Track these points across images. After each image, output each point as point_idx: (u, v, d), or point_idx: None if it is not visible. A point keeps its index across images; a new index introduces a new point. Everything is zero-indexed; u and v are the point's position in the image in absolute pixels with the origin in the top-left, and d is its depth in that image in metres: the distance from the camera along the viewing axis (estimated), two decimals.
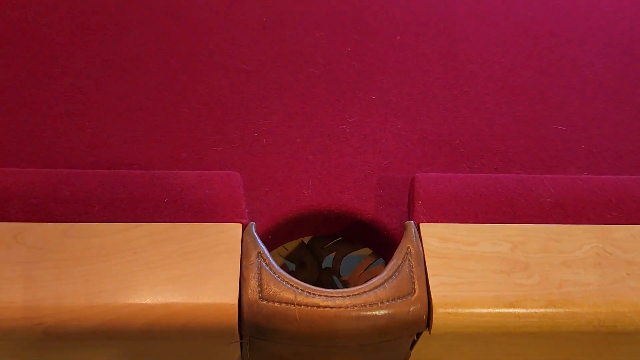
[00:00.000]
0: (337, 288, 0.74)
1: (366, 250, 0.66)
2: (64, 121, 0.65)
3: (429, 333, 0.50)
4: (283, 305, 0.48)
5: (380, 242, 0.62)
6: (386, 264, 0.56)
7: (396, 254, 0.52)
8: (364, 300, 0.49)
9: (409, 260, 0.51)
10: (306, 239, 0.68)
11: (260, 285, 0.48)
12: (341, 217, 0.61)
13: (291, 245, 0.69)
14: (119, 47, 0.74)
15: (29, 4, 0.78)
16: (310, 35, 0.77)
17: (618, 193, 0.59)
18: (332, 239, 0.67)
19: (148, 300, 0.48)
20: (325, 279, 0.73)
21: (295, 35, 0.77)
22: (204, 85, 0.70)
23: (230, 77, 0.71)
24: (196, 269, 0.49)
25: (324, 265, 0.70)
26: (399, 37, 0.78)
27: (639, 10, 0.87)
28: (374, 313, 0.49)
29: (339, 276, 0.70)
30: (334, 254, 0.68)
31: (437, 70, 0.75)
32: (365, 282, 0.61)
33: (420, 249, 0.52)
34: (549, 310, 0.51)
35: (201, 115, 0.67)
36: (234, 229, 0.52)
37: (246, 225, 0.53)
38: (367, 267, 0.66)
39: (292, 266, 0.71)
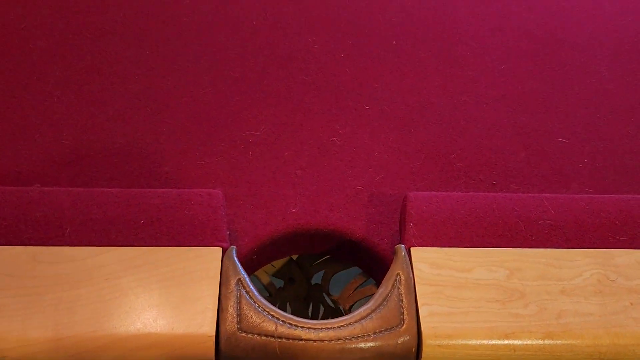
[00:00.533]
0: (327, 305, 0.71)
1: (357, 268, 0.63)
2: (41, 131, 0.62)
3: None
4: (263, 337, 0.45)
5: (371, 263, 0.59)
6: (377, 285, 0.53)
7: (385, 280, 0.49)
8: (349, 333, 0.46)
9: (398, 288, 0.49)
10: (294, 255, 0.65)
11: (239, 315, 0.46)
12: (329, 236, 0.58)
13: (279, 262, 0.66)
14: (99, 53, 0.70)
15: (7, 8, 0.74)
16: (302, 40, 0.74)
17: (621, 215, 0.56)
18: (322, 256, 0.64)
19: (121, 331, 0.45)
20: (315, 295, 0.70)
21: (286, 40, 0.74)
22: (188, 93, 0.67)
23: (216, 84, 0.68)
24: (172, 297, 0.47)
25: (313, 281, 0.68)
26: (394, 42, 0.74)
27: None
28: (359, 346, 0.46)
29: (328, 294, 0.67)
30: (323, 271, 0.65)
31: (435, 78, 0.72)
32: (355, 302, 0.58)
33: (411, 275, 0.50)
34: (547, 342, 0.48)
35: (184, 125, 0.64)
36: (214, 254, 0.49)
37: (227, 249, 0.50)
38: (357, 287, 0.63)
39: (280, 282, 0.68)
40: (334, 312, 0.70)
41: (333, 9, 0.78)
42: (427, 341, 0.47)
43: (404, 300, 0.48)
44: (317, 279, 0.68)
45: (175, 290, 0.47)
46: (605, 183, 0.63)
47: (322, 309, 0.71)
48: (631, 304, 0.50)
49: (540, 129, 0.68)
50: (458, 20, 0.79)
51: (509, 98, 0.71)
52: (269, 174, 0.60)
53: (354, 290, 0.63)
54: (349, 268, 0.64)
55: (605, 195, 0.59)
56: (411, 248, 0.51)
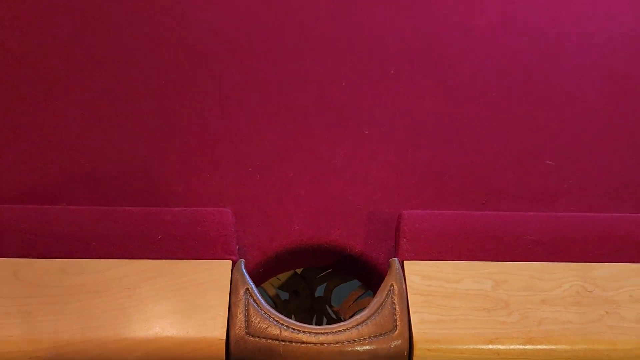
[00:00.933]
0: (329, 316, 0.76)
1: (356, 281, 0.68)
2: (60, 150, 0.68)
3: None
4: (269, 341, 0.50)
5: (369, 276, 0.63)
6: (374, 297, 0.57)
7: (380, 291, 0.54)
8: (346, 337, 0.50)
9: (392, 297, 0.53)
10: (299, 269, 0.70)
11: (247, 321, 0.50)
12: (330, 251, 0.63)
13: (284, 275, 0.71)
14: (115, 76, 0.76)
15: (27, 30, 0.80)
16: (305, 65, 0.80)
17: (601, 231, 0.60)
18: (325, 269, 0.69)
19: (140, 335, 0.50)
20: (318, 306, 0.75)
21: (290, 65, 0.79)
22: (197, 116, 0.73)
23: (223, 107, 0.74)
24: (187, 305, 0.52)
25: (316, 293, 0.72)
26: (392, 72, 0.80)
27: (633, 41, 0.88)
28: (356, 349, 0.50)
29: (330, 306, 0.72)
30: (325, 284, 0.70)
31: (429, 103, 0.77)
32: (355, 313, 0.63)
33: (404, 286, 0.54)
34: (528, 347, 0.52)
35: (194, 147, 0.69)
36: (224, 266, 0.54)
37: (236, 262, 0.55)
38: (357, 299, 0.68)
39: (286, 295, 0.73)
40: (336, 322, 0.74)
41: (334, 37, 0.83)
42: (418, 345, 0.51)
43: (397, 308, 0.52)
44: (320, 291, 0.73)
45: (189, 299, 0.52)
46: (590, 201, 0.68)
47: (324, 320, 0.76)
48: (607, 312, 0.54)
49: (529, 151, 0.73)
50: (451, 49, 0.84)
51: (499, 121, 0.76)
52: (274, 193, 0.65)
53: (354, 302, 0.68)
54: (349, 281, 0.68)
55: (587, 214, 0.64)
56: (404, 261, 0.56)
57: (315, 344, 0.50)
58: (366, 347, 0.51)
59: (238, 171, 0.67)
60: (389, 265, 0.56)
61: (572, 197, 0.69)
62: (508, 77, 0.82)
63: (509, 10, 0.89)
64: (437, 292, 0.54)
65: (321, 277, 0.70)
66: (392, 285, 0.54)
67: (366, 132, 0.73)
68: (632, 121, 0.77)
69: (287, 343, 0.49)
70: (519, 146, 0.73)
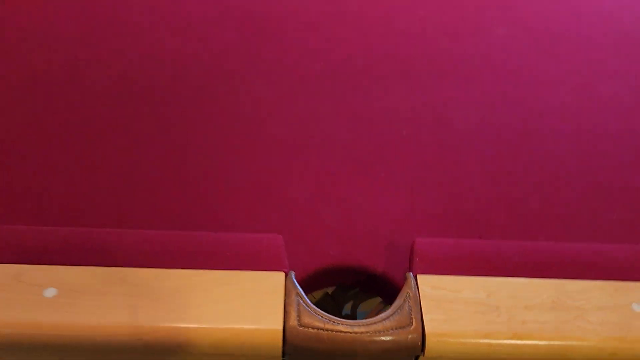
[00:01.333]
0: None
1: (378, 298, 0.83)
2: (144, 191, 0.85)
3: (424, 356, 0.67)
4: (315, 330, 0.65)
5: (388, 292, 0.79)
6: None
7: (399, 296, 0.70)
8: (374, 329, 0.66)
9: (408, 301, 0.69)
10: (330, 290, 0.86)
11: (298, 316, 0.66)
12: (357, 271, 0.79)
13: (317, 294, 0.86)
14: (159, 113, 0.96)
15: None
16: (332, 126, 0.98)
17: (572, 257, 0.77)
18: (350, 290, 0.84)
19: (215, 325, 0.66)
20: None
21: (316, 123, 0.98)
22: (240, 152, 0.91)
23: (263, 147, 0.92)
24: (251, 304, 0.67)
25: (344, 311, 0.88)
26: (404, 132, 0.98)
27: (617, 70, 1.07)
28: (381, 338, 0.66)
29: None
30: (352, 301, 0.86)
31: (430, 149, 0.95)
32: None
33: (417, 293, 0.70)
34: (514, 341, 0.67)
35: (248, 186, 0.87)
36: (279, 276, 0.70)
37: (287, 273, 0.71)
38: (378, 312, 0.83)
39: None
40: None
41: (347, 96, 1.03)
42: (429, 338, 0.66)
43: (413, 309, 0.68)
44: (346, 309, 0.88)
45: (253, 300, 0.68)
46: (572, 231, 0.84)
47: None
48: (576, 316, 0.70)
49: (517, 189, 0.90)
50: (452, 111, 1.03)
51: (491, 163, 0.93)
52: (313, 224, 0.82)
53: (376, 314, 0.83)
54: (372, 298, 0.84)
55: (560, 243, 0.80)
56: (417, 275, 0.72)
57: (350, 333, 0.65)
58: (389, 337, 0.66)
59: (282, 206, 0.85)
60: (405, 278, 0.72)
61: (558, 229, 0.86)
62: (506, 128, 1.00)
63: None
64: (443, 298, 0.70)
65: (348, 295, 0.86)
66: (408, 292, 0.70)
67: (382, 175, 0.91)
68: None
69: (329, 332, 0.65)
70: (508, 187, 0.91)
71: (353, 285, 0.82)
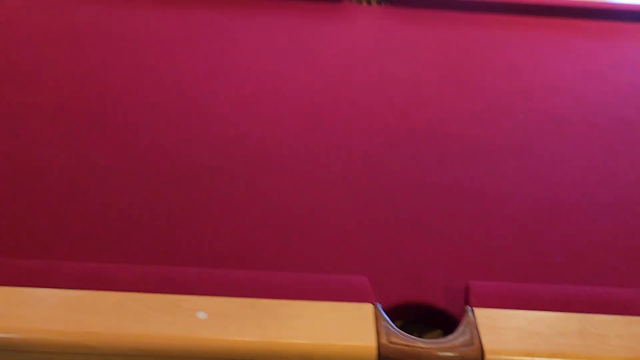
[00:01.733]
0: None
1: (437, 332, 1.04)
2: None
3: None
4: (401, 346, 0.86)
5: (448, 324, 1.00)
6: None
7: (461, 324, 0.91)
8: (445, 346, 0.87)
9: (469, 327, 0.90)
10: (398, 323, 1.06)
11: (387, 335, 0.87)
12: (422, 308, 1.00)
13: None
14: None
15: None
16: (404, 195, 1.22)
17: (595, 297, 0.98)
18: (416, 324, 1.05)
19: (327, 342, 0.87)
20: None
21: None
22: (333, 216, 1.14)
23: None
24: (351, 327, 0.89)
25: None
26: (451, 199, 1.22)
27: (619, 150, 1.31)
28: (449, 354, 0.87)
29: None
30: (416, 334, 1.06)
31: (472, 213, 1.18)
32: None
33: (475, 321, 0.91)
34: (552, 358, 0.88)
35: (337, 239, 1.10)
36: (369, 306, 0.92)
37: (375, 305, 0.93)
38: None
39: None
40: None
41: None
42: (487, 354, 0.87)
43: (473, 333, 0.89)
44: None
45: (351, 324, 0.89)
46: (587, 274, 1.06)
47: None
48: (598, 341, 0.91)
49: (547, 244, 1.12)
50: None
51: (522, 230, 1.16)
52: (386, 268, 1.04)
53: None
54: (433, 331, 1.05)
55: (585, 286, 1.02)
56: (474, 308, 0.94)
57: (427, 348, 0.86)
58: (455, 353, 0.87)
59: (364, 252, 1.07)
60: (464, 311, 0.94)
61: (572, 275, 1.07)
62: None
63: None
64: (495, 325, 0.91)
65: (413, 329, 1.06)
66: (468, 320, 0.91)
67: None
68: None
69: (412, 347, 0.86)
70: (536, 246, 1.13)
71: (417, 320, 1.03)
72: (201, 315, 0.87)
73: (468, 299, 0.97)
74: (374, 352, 0.86)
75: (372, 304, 0.93)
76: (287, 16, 1.90)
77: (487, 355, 0.87)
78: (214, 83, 1.53)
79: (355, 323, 0.89)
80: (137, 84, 1.50)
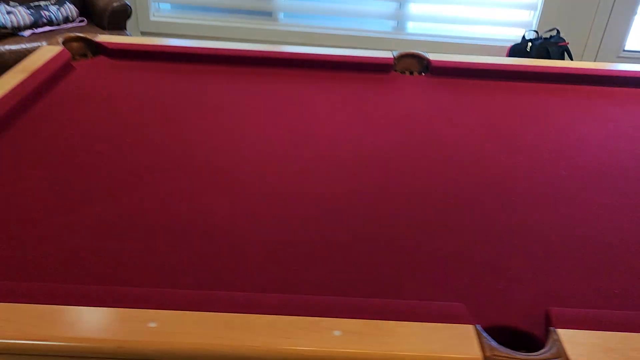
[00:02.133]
0: None
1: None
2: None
3: None
4: (503, 357, 1.04)
5: (530, 345, 1.18)
6: None
7: (548, 342, 1.09)
8: (538, 358, 1.05)
9: (556, 343, 1.08)
10: None
11: (490, 349, 1.05)
12: (506, 329, 1.18)
13: None
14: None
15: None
16: (481, 239, 1.41)
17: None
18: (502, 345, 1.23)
19: (437, 354, 1.05)
20: None
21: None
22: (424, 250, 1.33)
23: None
24: (459, 342, 1.07)
25: None
26: (516, 242, 1.41)
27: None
28: None
29: None
30: None
31: (538, 255, 1.37)
32: None
33: (560, 339, 1.09)
34: None
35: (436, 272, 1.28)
36: (470, 327, 1.10)
37: (475, 325, 1.11)
38: None
39: None
40: None
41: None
42: None
43: (560, 347, 1.07)
44: None
45: (458, 339, 1.07)
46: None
47: None
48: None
49: (605, 281, 1.31)
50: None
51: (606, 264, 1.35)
52: (476, 295, 1.23)
53: None
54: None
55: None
56: (557, 329, 1.12)
57: (525, 359, 1.04)
58: None
59: (460, 278, 1.25)
60: (548, 332, 1.12)
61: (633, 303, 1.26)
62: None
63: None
64: (577, 342, 1.09)
65: None
66: (554, 338, 1.09)
67: (499, 287, 1.32)
68: None
69: (513, 358, 1.04)
70: (595, 278, 1.32)
71: (503, 342, 1.21)
72: (337, 333, 1.05)
73: (550, 322, 1.15)
74: None
75: (473, 325, 1.11)
76: (344, 86, 2.17)
77: None
78: (296, 144, 1.76)
79: (461, 340, 1.07)
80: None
